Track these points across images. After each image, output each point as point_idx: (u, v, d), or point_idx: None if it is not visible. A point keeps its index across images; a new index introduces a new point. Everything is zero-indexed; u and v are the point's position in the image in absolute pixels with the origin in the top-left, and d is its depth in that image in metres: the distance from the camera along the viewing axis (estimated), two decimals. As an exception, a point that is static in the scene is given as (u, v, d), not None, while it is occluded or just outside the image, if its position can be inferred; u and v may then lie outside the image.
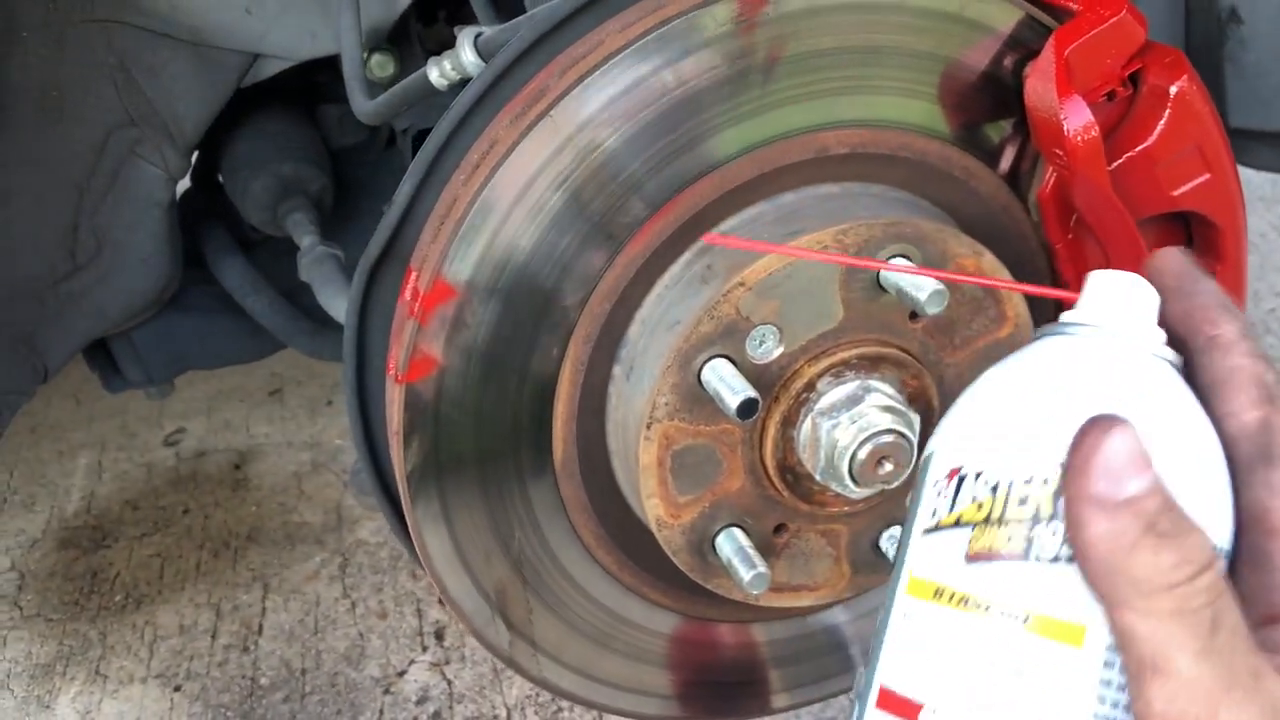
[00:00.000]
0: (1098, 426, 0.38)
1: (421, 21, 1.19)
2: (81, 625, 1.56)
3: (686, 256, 0.68)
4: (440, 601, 1.53)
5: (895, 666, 0.43)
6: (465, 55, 0.74)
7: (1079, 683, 0.40)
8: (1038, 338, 0.46)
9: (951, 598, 0.42)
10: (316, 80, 1.29)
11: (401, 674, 1.43)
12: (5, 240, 1.01)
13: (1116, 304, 0.45)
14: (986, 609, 0.41)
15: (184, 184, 1.21)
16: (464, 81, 0.77)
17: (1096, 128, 0.66)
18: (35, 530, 1.77)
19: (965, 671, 0.41)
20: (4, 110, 0.97)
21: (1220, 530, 0.41)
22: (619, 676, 0.82)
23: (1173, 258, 0.48)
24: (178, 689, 1.44)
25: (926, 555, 0.43)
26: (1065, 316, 0.46)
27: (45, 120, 1.01)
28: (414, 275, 0.65)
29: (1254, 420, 0.42)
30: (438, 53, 1.20)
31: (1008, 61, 0.71)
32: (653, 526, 0.69)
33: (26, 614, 1.59)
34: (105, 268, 1.09)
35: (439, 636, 1.48)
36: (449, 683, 1.40)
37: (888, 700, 0.43)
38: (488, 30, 0.75)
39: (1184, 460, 0.41)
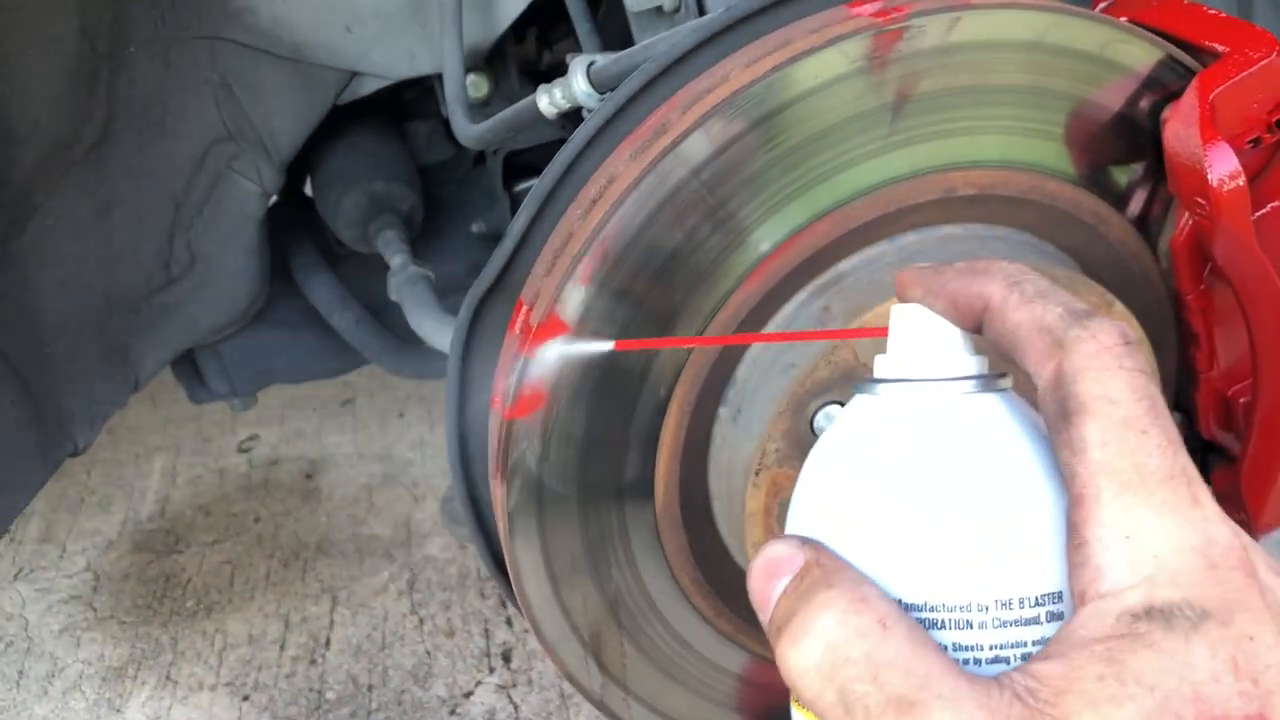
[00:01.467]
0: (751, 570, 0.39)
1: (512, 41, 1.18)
2: (154, 629, 1.57)
3: (801, 297, 0.66)
4: (508, 622, 1.52)
5: None
6: (578, 85, 0.72)
7: None
8: (854, 392, 0.44)
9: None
10: (405, 97, 1.30)
11: (468, 695, 1.42)
12: (105, 251, 1.01)
13: (915, 347, 0.42)
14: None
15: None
16: (574, 110, 0.76)
17: (1243, 176, 0.62)
18: (111, 531, 1.79)
19: None
20: (111, 123, 0.98)
21: (1031, 576, 0.37)
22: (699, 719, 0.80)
23: (908, 274, 0.43)
24: (246, 698, 1.44)
25: None
26: (877, 365, 0.43)
27: (148, 134, 1.02)
28: (525, 309, 0.63)
29: (1048, 375, 0.37)
30: (524, 71, 1.21)
31: (1144, 103, 0.68)
32: (756, 574, 0.67)
33: (100, 616, 1.61)
34: (198, 281, 1.10)
35: (506, 658, 1.47)
36: (515, 707, 1.39)
37: None
38: (600, 59, 0.74)
39: (972, 521, 0.38)
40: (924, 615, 0.38)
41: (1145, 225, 0.72)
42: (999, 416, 0.40)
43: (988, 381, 0.41)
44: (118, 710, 1.43)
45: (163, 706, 1.44)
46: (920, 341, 0.42)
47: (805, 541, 0.39)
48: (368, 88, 1.09)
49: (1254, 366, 0.70)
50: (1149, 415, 0.35)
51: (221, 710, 1.42)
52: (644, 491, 0.69)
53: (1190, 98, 0.64)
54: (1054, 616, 0.37)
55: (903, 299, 0.43)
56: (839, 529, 0.40)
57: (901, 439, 0.40)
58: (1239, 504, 0.74)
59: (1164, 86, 0.67)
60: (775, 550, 0.39)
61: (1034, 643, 0.37)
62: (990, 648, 0.37)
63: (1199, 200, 0.64)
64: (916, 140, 0.64)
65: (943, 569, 0.37)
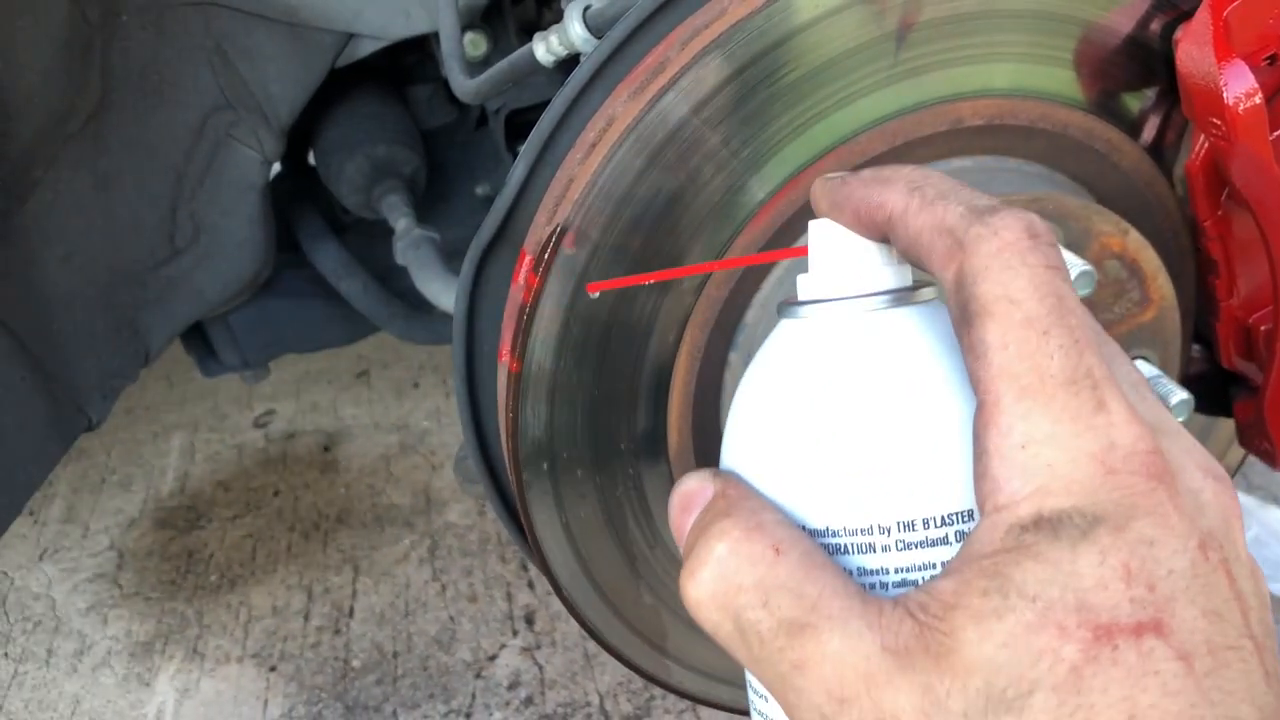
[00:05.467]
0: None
1: (511, -1, 1.17)
2: (179, 604, 1.58)
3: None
4: (530, 585, 1.53)
5: None
6: (574, 29, 0.71)
7: None
8: (778, 316, 0.42)
9: None
10: (404, 61, 1.28)
11: (493, 658, 1.42)
12: (108, 225, 1.01)
13: (828, 265, 0.40)
14: None
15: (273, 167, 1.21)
16: (571, 58, 0.75)
17: (1260, 94, 0.61)
18: (133, 510, 1.80)
19: None
20: (107, 94, 0.97)
21: (935, 496, 0.36)
22: (719, 668, 0.79)
23: (818, 186, 0.42)
24: (273, 669, 1.45)
25: None
26: (798, 285, 0.42)
27: (146, 104, 1.01)
28: (528, 260, 0.62)
29: (950, 278, 0.35)
30: (525, 31, 1.19)
31: (1155, 25, 0.66)
32: (772, 520, 0.66)
33: (126, 593, 1.62)
34: (203, 252, 1.09)
35: (529, 621, 1.47)
36: (540, 668, 1.40)
37: None
38: (596, 3, 0.72)
39: (868, 442, 0.36)
40: (827, 541, 0.37)
41: (1159, 152, 0.70)
42: (909, 331, 0.38)
43: (900, 296, 0.39)
44: (147, 684, 1.45)
45: (191, 679, 1.45)
46: (832, 259, 0.40)
47: (717, 474, 0.39)
48: (365, 49, 1.07)
49: (1275, 293, 0.69)
50: (1053, 314, 0.33)
51: (249, 681, 1.44)
52: (656, 440, 0.68)
53: (1203, 15, 0.62)
54: (964, 536, 0.36)
55: (826, 214, 0.41)
56: (750, 458, 0.39)
57: (805, 362, 0.39)
58: (1263, 433, 0.72)
59: (1175, 6, 0.65)
60: (687, 484, 0.39)
61: (943, 564, 0.36)
62: (895, 571, 0.36)
63: (1214, 121, 0.62)
64: (922, 70, 0.62)
65: (840, 492, 0.36)
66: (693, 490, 0.38)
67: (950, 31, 0.62)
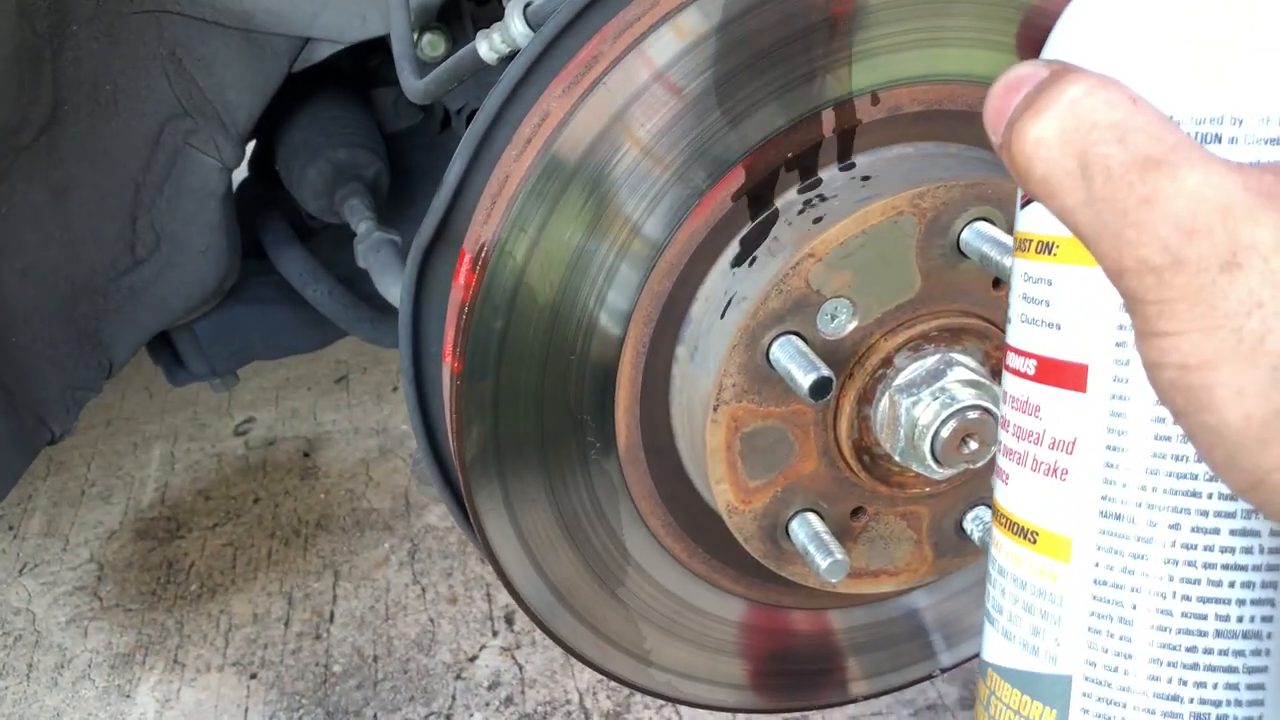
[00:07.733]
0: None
1: (474, -1, 1.16)
2: (159, 615, 1.58)
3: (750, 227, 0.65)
4: (509, 586, 1.53)
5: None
6: (515, 26, 0.71)
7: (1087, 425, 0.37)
8: None
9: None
10: (369, 64, 1.28)
11: (473, 659, 1.42)
12: (66, 235, 1.00)
13: None
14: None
15: (241, 174, 1.21)
16: (514, 54, 0.74)
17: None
18: (113, 522, 1.80)
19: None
20: (59, 105, 0.96)
21: None
22: (688, 665, 0.79)
23: None
24: (253, 677, 1.45)
25: None
26: None
27: (100, 114, 1.00)
28: (467, 257, 0.62)
29: None
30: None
31: (1093, 7, 0.66)
32: (722, 513, 0.66)
33: (106, 605, 1.61)
34: (165, 261, 1.09)
35: (509, 621, 1.47)
36: (520, 667, 1.39)
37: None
38: (536, 0, 0.72)
39: (1249, 26, 0.33)
40: None
41: (1104, 134, 0.70)
42: None
43: None
44: (127, 696, 1.44)
45: (172, 689, 1.44)
46: None
47: (1052, 60, 0.36)
48: (322, 53, 1.07)
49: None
50: None
51: (229, 690, 1.43)
52: (605, 438, 0.68)
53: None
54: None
55: None
56: (1090, 42, 0.36)
57: None
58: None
59: (1113, -12, 0.65)
60: (1019, 69, 0.36)
61: None
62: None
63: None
64: (858, 58, 0.62)
65: (1193, 74, 0.33)
66: (1024, 73, 0.35)
67: (886, 18, 0.62)
